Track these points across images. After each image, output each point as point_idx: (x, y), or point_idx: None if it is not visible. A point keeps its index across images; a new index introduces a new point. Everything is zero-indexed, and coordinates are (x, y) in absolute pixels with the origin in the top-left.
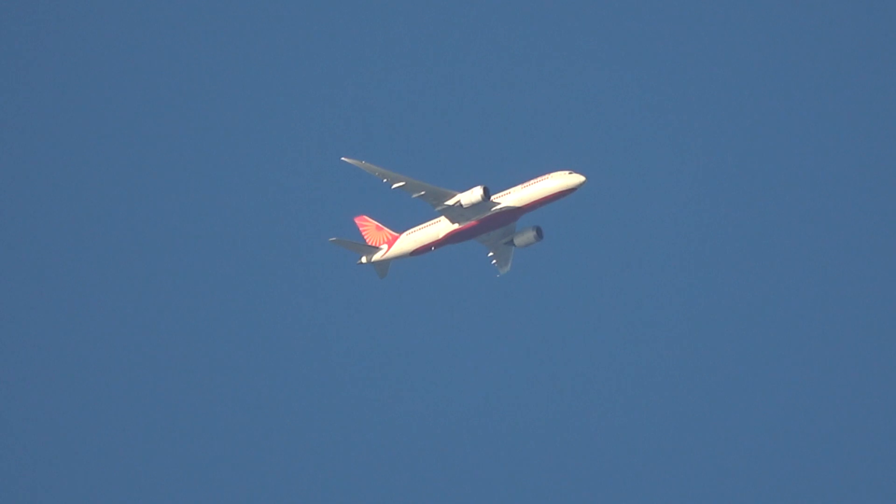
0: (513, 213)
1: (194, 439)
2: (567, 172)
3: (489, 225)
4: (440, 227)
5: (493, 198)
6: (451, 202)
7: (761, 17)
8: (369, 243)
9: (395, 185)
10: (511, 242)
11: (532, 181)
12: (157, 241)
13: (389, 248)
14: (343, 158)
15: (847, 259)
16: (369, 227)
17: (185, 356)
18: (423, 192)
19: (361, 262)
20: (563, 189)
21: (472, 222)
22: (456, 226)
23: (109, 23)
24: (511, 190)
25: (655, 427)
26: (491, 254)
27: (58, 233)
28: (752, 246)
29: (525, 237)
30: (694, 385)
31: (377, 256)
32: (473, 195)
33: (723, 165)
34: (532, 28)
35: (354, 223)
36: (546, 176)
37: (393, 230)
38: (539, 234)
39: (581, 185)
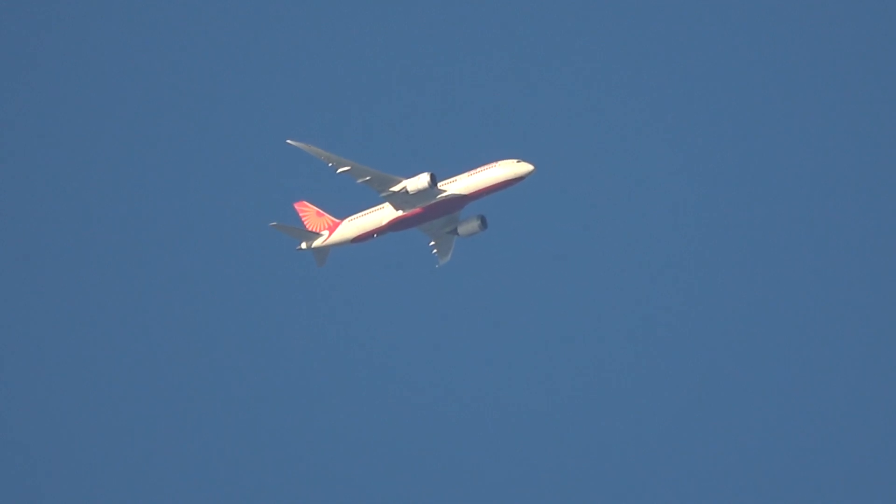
0: (459, 201)
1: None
2: (515, 161)
3: (434, 213)
4: (383, 214)
5: (440, 185)
6: (396, 188)
7: (749, 15)
8: (309, 229)
9: (340, 170)
10: (454, 232)
11: (479, 169)
12: (104, 230)
13: (330, 234)
14: (288, 141)
15: (832, 259)
16: (309, 213)
17: (125, 345)
18: (368, 178)
19: (301, 249)
20: (511, 178)
21: (416, 209)
22: (400, 213)
23: (94, 19)
24: (458, 177)
25: (614, 421)
26: (432, 243)
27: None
28: (707, 241)
29: (469, 226)
30: (654, 380)
31: (318, 243)
32: (420, 181)
33: (679, 156)
34: (498, 20)
35: (294, 209)
36: (493, 164)
37: (334, 216)
38: (483, 223)
39: (529, 174)
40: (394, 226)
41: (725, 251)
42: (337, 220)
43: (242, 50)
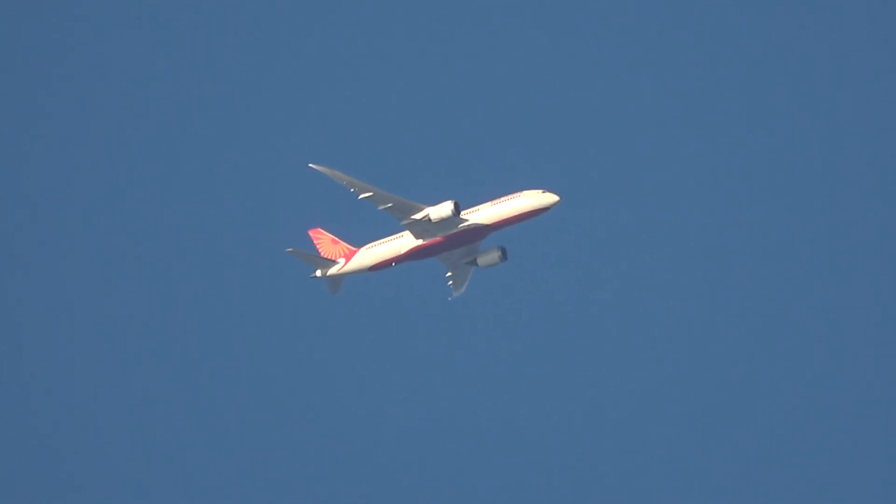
0: (480, 230)
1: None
2: (540, 191)
3: (454, 242)
4: (403, 243)
5: (462, 214)
6: (418, 216)
7: (757, 19)
8: (324, 257)
9: (362, 196)
10: (473, 262)
11: (503, 198)
12: (118, 246)
13: (347, 262)
14: (311, 165)
15: (845, 264)
16: (324, 241)
17: (135, 364)
18: (390, 205)
19: (316, 276)
20: (536, 208)
21: (437, 238)
22: (420, 241)
23: (87, 20)
24: (480, 207)
25: (623, 453)
26: (449, 273)
27: None
28: (728, 271)
29: (489, 257)
30: (669, 418)
31: (333, 270)
32: (443, 210)
33: (700, 190)
34: (515, 38)
35: (309, 236)
36: (518, 194)
37: (350, 244)
38: (504, 254)
39: (554, 205)
40: (413, 255)
41: (746, 269)
42: (353, 248)
43: (266, 72)
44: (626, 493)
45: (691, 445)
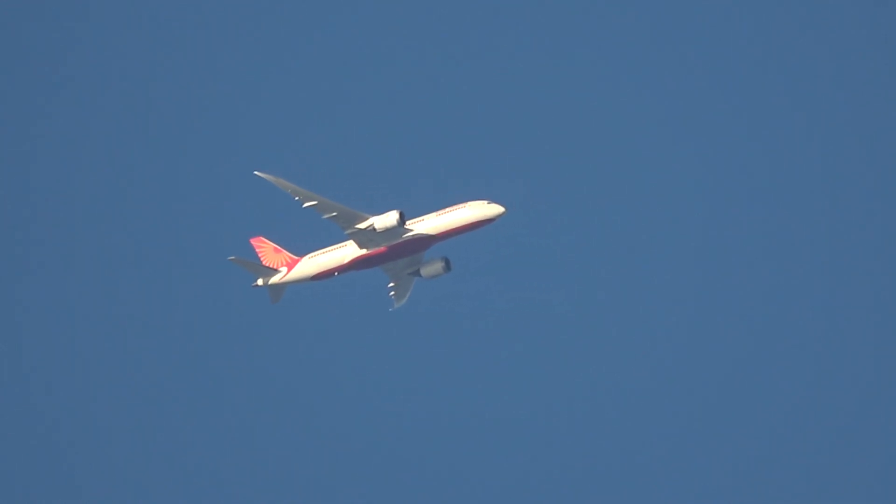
0: (425, 241)
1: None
2: (486, 202)
3: (399, 252)
4: (346, 252)
5: (407, 224)
6: (362, 225)
7: (754, 19)
8: (266, 265)
9: (306, 204)
10: (416, 273)
11: (448, 209)
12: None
13: (289, 271)
14: (256, 172)
15: (826, 262)
16: (266, 249)
17: (81, 380)
18: (334, 213)
19: (257, 285)
20: (480, 219)
21: (381, 248)
22: (364, 251)
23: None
24: (426, 217)
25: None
26: (392, 284)
27: None
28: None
29: (433, 268)
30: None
31: (275, 279)
32: (388, 219)
33: (663, 193)
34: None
35: (250, 244)
36: (464, 204)
37: (292, 253)
38: (447, 265)
39: (499, 216)
40: (356, 264)
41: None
42: (295, 257)
43: (204, 74)
44: (615, 493)
45: (682, 444)
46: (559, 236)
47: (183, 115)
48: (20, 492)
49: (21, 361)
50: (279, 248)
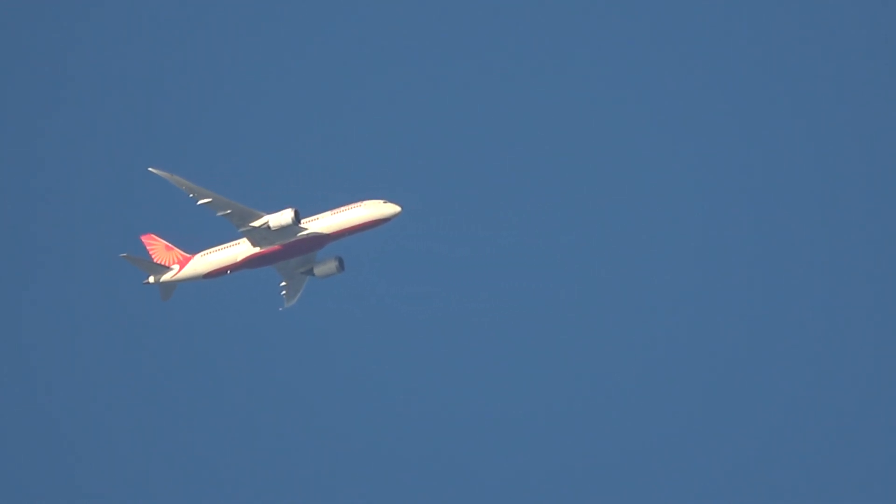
0: (319, 240)
1: None
2: (382, 201)
3: (292, 251)
4: (239, 250)
5: (302, 222)
6: (257, 223)
7: (753, 19)
8: (157, 263)
9: (200, 201)
10: (309, 272)
11: (343, 208)
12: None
13: (181, 268)
14: (150, 169)
15: (818, 261)
16: (157, 247)
17: None
18: (229, 211)
19: (148, 282)
20: (376, 218)
21: (275, 247)
22: (257, 249)
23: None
24: (321, 216)
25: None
26: (284, 283)
27: None
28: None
29: (326, 267)
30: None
31: (167, 277)
32: (283, 217)
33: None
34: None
35: (141, 241)
36: (359, 203)
37: (184, 251)
38: (341, 265)
39: (395, 215)
40: (249, 263)
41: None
42: (187, 255)
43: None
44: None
45: (676, 441)
46: (554, 235)
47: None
48: (25, 492)
49: (18, 362)
50: (171, 245)
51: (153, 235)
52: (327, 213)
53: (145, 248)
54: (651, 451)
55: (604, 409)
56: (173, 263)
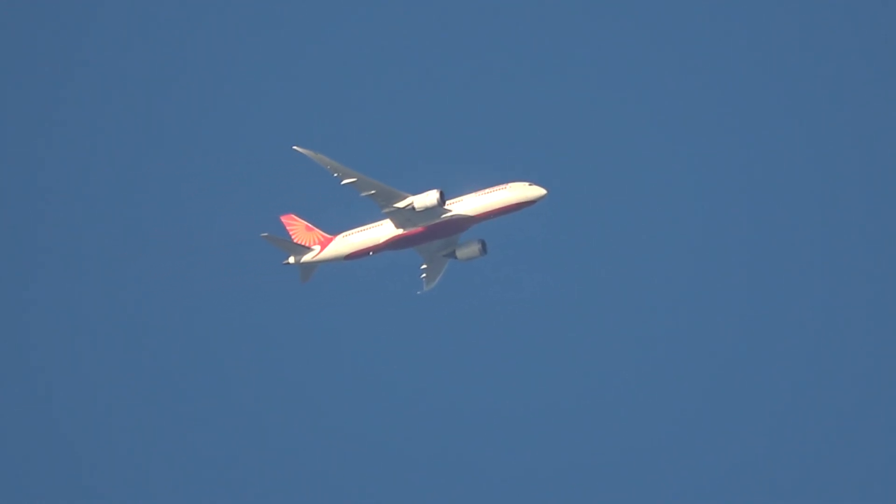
0: (463, 222)
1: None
2: (527, 184)
3: (436, 233)
4: (382, 232)
5: (446, 204)
6: (401, 204)
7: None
8: (299, 243)
9: (345, 181)
10: (451, 255)
11: (488, 189)
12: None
13: (322, 249)
14: (295, 147)
15: (822, 260)
16: (298, 227)
17: (112, 355)
18: (373, 191)
19: (288, 263)
20: (521, 201)
21: (418, 228)
22: (400, 231)
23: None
24: (465, 197)
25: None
26: (424, 266)
27: None
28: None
29: (469, 250)
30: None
31: (308, 257)
32: (428, 198)
33: (686, 187)
34: (497, 29)
35: (281, 222)
36: (504, 186)
37: (324, 231)
38: (484, 248)
39: (541, 198)
40: (391, 244)
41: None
42: (328, 236)
43: (242, 52)
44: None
45: (699, 443)
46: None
47: (218, 92)
48: (31, 493)
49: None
50: (311, 225)
51: (293, 216)
52: (472, 195)
53: (285, 228)
54: (652, 451)
55: (606, 408)
56: (314, 244)
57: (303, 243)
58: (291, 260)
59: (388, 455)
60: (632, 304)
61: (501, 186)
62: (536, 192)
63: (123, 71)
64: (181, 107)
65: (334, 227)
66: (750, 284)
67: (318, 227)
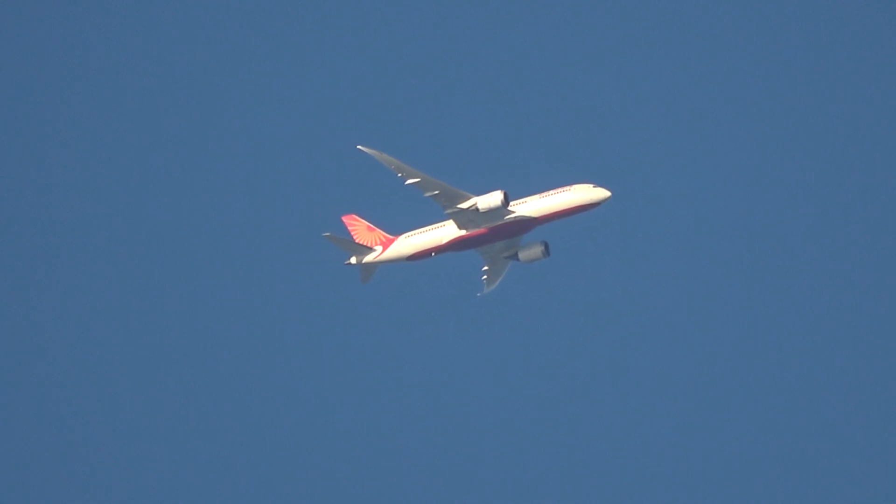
0: (527, 223)
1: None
2: (591, 185)
3: (498, 234)
4: (445, 232)
5: (510, 205)
6: (465, 205)
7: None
8: (360, 244)
9: (408, 181)
10: (513, 257)
11: (552, 191)
12: (145, 236)
13: (384, 250)
14: (359, 147)
15: (843, 267)
16: (359, 228)
17: (168, 354)
18: (437, 192)
19: (350, 263)
20: (585, 203)
21: (481, 230)
22: (463, 232)
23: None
24: (528, 199)
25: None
26: (486, 267)
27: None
28: (775, 263)
29: (532, 252)
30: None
31: (370, 258)
32: (493, 199)
33: (747, 189)
34: (555, 33)
35: (342, 222)
36: (568, 188)
37: (386, 231)
38: (546, 250)
39: (605, 200)
40: (454, 245)
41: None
42: (390, 236)
43: (298, 54)
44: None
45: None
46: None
47: (279, 93)
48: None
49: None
50: (372, 226)
51: (355, 216)
52: (535, 197)
53: (346, 228)
54: (656, 450)
55: (608, 408)
56: (376, 244)
57: (365, 243)
58: (353, 260)
59: (445, 459)
60: (630, 305)
61: (565, 188)
62: (601, 193)
63: (183, 69)
64: (242, 107)
65: (395, 228)
66: (749, 283)
67: (379, 227)
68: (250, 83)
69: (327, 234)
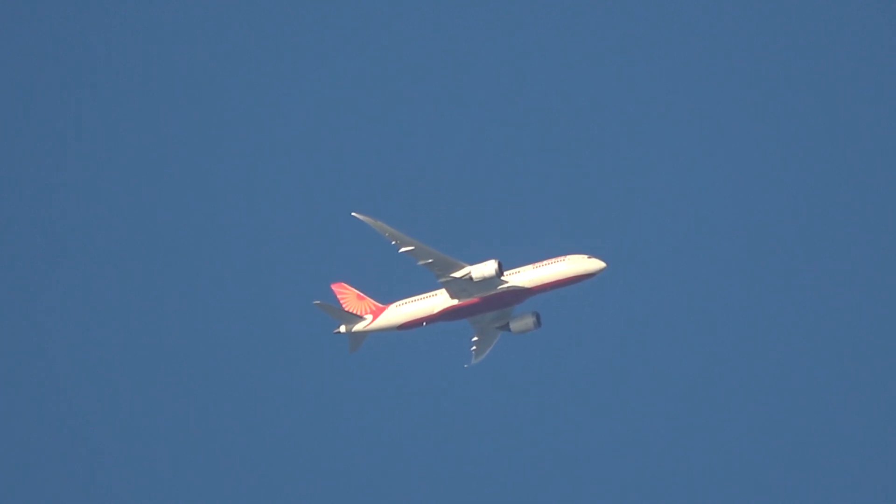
0: (519, 294)
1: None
2: (586, 256)
3: (491, 304)
4: (436, 302)
5: (503, 275)
6: (458, 274)
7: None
8: (349, 312)
9: (402, 249)
10: (504, 327)
11: (546, 262)
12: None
13: (375, 318)
14: (353, 214)
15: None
16: (349, 296)
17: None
18: (430, 260)
19: (339, 332)
20: (580, 274)
21: (474, 299)
22: (455, 301)
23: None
24: (521, 269)
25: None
26: (475, 338)
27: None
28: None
29: (523, 323)
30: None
31: (359, 326)
32: (486, 269)
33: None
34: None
35: (332, 290)
36: (562, 258)
37: (376, 300)
38: (538, 320)
39: (600, 271)
40: (445, 315)
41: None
42: (380, 305)
43: (289, 108)
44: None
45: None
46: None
47: (270, 156)
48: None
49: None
50: (362, 294)
51: (344, 284)
52: (529, 267)
53: (336, 296)
54: (656, 450)
55: (599, 483)
56: (366, 313)
57: (354, 312)
58: (343, 329)
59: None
60: (631, 306)
61: (560, 258)
62: (595, 265)
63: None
64: (234, 168)
65: (384, 295)
66: (749, 283)
67: (369, 295)
68: (249, 146)
69: (318, 301)
